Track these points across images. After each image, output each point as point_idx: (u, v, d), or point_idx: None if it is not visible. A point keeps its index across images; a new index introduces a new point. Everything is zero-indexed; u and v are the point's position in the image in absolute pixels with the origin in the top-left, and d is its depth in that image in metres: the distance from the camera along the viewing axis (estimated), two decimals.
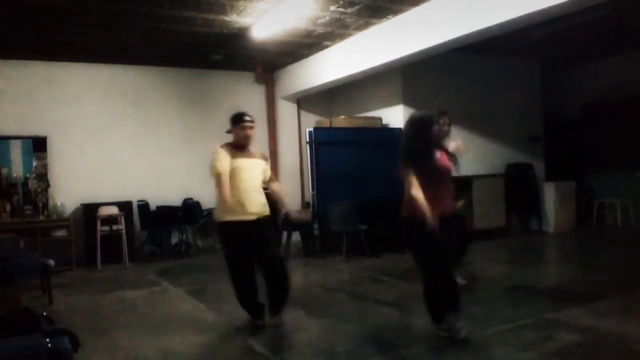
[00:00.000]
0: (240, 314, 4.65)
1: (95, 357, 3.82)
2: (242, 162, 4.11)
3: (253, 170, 4.19)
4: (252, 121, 4.19)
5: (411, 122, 3.77)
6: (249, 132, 4.17)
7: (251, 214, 4.11)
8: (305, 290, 6.13)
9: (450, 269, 3.79)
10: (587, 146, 10.22)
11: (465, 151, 4.63)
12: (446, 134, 4.73)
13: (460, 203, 4.63)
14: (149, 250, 8.16)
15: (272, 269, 4.25)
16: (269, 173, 4.45)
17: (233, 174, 4.06)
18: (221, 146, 4.17)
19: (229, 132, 4.27)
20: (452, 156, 3.95)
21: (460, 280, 4.98)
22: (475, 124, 9.03)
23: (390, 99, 8.69)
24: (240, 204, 4.07)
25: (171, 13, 6.09)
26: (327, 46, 7.83)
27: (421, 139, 3.64)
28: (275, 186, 4.50)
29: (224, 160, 4.05)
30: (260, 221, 4.16)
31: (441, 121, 4.38)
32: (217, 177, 4.04)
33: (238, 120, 4.17)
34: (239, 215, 4.08)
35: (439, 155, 3.73)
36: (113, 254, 7.67)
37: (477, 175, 8.80)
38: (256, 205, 4.15)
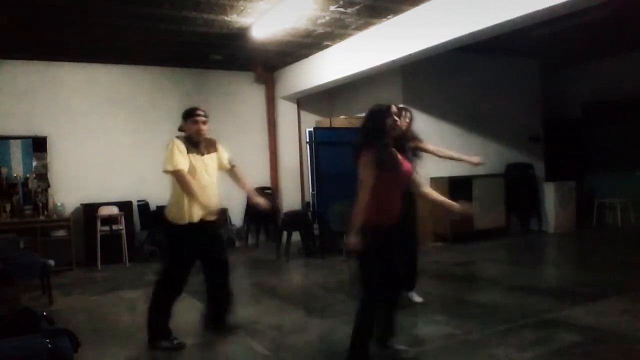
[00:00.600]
0: (241, 314, 4.65)
1: (95, 357, 3.83)
2: (197, 160, 3.89)
3: (208, 167, 3.97)
4: (205, 115, 4.01)
5: (368, 113, 3.48)
6: (202, 126, 3.96)
7: (207, 213, 3.88)
8: (305, 290, 6.14)
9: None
10: (587, 146, 10.22)
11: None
12: (406, 128, 4.63)
13: (468, 207, 4.32)
14: (149, 250, 8.15)
15: (222, 274, 4.12)
16: (225, 159, 4.17)
17: (188, 171, 3.84)
18: (177, 137, 3.95)
19: (180, 129, 4.05)
20: (412, 156, 3.58)
21: (417, 298, 4.87)
22: (475, 124, 9.04)
23: (390, 99, 8.65)
24: (192, 211, 3.83)
25: (171, 13, 6.08)
26: (327, 46, 7.83)
27: (376, 130, 3.32)
28: (238, 176, 4.25)
29: (182, 154, 3.81)
30: (214, 222, 3.98)
31: (402, 114, 4.20)
32: (175, 173, 3.78)
33: (190, 114, 3.98)
34: (195, 217, 3.85)
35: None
36: (113, 254, 7.67)
37: (477, 175, 8.80)
38: (212, 203, 3.90)
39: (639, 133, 9.09)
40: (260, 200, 4.18)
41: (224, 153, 4.17)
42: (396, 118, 3.36)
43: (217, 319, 4.20)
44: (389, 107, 3.38)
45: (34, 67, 7.91)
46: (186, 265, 3.95)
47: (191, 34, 6.91)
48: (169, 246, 4.01)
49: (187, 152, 3.85)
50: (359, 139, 3.36)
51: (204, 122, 3.98)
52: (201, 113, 3.99)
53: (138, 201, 8.29)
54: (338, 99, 9.89)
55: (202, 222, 3.88)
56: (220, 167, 4.15)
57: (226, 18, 6.37)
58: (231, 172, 4.25)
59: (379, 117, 3.35)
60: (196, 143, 3.96)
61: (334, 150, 7.96)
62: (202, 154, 3.96)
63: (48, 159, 7.93)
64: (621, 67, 9.42)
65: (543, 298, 4.93)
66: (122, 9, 5.93)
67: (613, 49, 9.08)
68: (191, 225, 3.84)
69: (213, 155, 4.06)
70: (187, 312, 5.17)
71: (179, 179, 3.78)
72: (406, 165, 3.39)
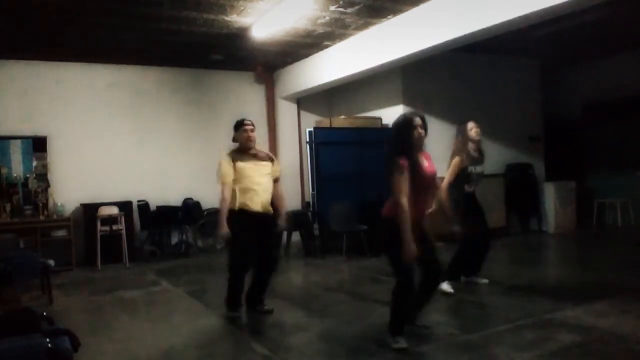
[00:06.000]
0: (242, 313, 4.66)
1: (95, 357, 3.82)
2: (247, 165, 4.49)
3: (258, 171, 4.55)
4: (252, 124, 4.63)
5: (394, 126, 3.72)
6: (251, 134, 4.57)
7: (256, 210, 4.50)
8: (305, 290, 6.14)
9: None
10: (587, 146, 10.22)
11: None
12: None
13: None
14: (149, 250, 8.15)
15: (268, 261, 4.70)
16: (278, 174, 4.77)
17: (239, 175, 4.46)
18: (227, 154, 4.57)
19: (234, 140, 4.66)
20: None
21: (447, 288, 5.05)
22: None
23: (390, 99, 8.69)
24: (246, 202, 4.47)
25: (171, 13, 6.09)
26: (327, 46, 7.83)
27: (404, 142, 3.57)
28: (277, 191, 4.77)
29: (227, 170, 4.47)
30: (263, 216, 4.56)
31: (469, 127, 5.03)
32: (222, 185, 4.49)
33: (239, 125, 4.62)
34: (247, 207, 4.48)
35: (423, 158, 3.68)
36: (113, 254, 7.66)
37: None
38: (259, 204, 4.51)
39: (639, 133, 9.09)
40: (281, 222, 4.82)
41: (277, 166, 4.79)
42: (421, 131, 3.59)
43: (258, 300, 4.74)
44: (412, 121, 3.60)
45: (34, 67, 7.92)
46: (244, 240, 4.47)
47: (191, 34, 6.92)
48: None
49: (238, 160, 4.50)
50: (389, 148, 3.63)
51: (252, 130, 4.60)
52: (248, 122, 4.62)
53: (138, 201, 8.29)
54: (338, 99, 9.89)
55: (246, 211, 4.46)
56: (272, 174, 4.70)
57: (226, 18, 6.38)
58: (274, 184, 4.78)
59: (405, 130, 3.59)
60: (247, 149, 4.57)
61: (334, 150, 7.96)
62: (254, 161, 4.56)
63: (48, 159, 7.93)
64: (621, 67, 9.42)
65: (543, 298, 4.93)
66: (122, 9, 5.93)
67: (613, 49, 9.08)
68: (236, 210, 4.46)
69: (266, 164, 4.64)
70: (188, 312, 5.18)
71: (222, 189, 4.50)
72: (430, 169, 3.68)
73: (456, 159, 5.06)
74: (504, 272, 6.53)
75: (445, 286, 5.01)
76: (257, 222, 4.48)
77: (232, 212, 4.45)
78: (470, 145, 5.15)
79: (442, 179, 4.94)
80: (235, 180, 4.46)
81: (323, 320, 4.58)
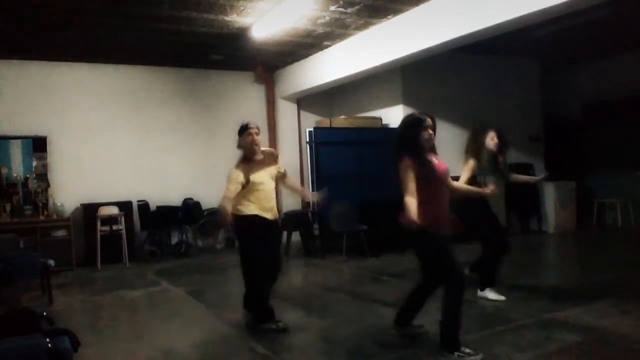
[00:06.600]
0: (240, 314, 4.66)
1: (95, 357, 3.82)
2: (257, 176, 4.26)
3: (267, 181, 4.35)
4: (257, 128, 4.39)
5: (402, 123, 3.65)
6: (256, 138, 4.32)
7: (268, 217, 4.32)
8: (305, 290, 6.13)
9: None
10: (587, 146, 10.22)
11: None
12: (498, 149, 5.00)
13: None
14: (149, 250, 8.15)
15: (275, 269, 4.43)
16: (282, 171, 4.54)
17: (251, 186, 4.23)
18: (236, 167, 4.29)
19: (239, 146, 4.41)
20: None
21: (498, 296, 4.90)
22: (475, 124, 9.00)
23: (390, 99, 8.69)
24: (259, 209, 4.28)
25: (171, 13, 6.09)
26: (327, 46, 7.83)
27: (411, 142, 3.50)
28: (291, 184, 4.78)
29: (235, 183, 4.19)
30: (274, 223, 4.41)
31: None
32: (226, 192, 4.20)
33: (243, 129, 4.36)
34: (260, 214, 4.30)
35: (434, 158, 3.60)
36: (113, 254, 7.67)
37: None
38: (270, 212, 4.33)
39: (639, 133, 9.09)
40: (308, 194, 5.06)
41: (278, 166, 4.53)
42: (431, 132, 3.51)
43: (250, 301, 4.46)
44: (423, 121, 3.52)
45: (34, 67, 7.92)
46: (260, 247, 4.28)
47: (191, 34, 6.91)
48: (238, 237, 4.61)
49: (248, 172, 4.22)
50: (395, 144, 3.55)
51: (257, 133, 4.35)
52: (252, 126, 4.36)
53: (138, 201, 8.29)
54: (338, 99, 9.89)
55: (260, 216, 4.29)
56: (274, 177, 4.48)
57: (226, 18, 6.38)
58: (282, 180, 4.60)
59: (413, 129, 3.52)
60: (254, 154, 4.32)
61: (334, 150, 7.96)
62: (261, 170, 4.31)
63: (48, 159, 7.93)
64: (621, 67, 9.42)
65: (543, 298, 4.93)
66: (122, 9, 5.93)
67: (613, 49, 9.08)
68: (249, 216, 4.26)
69: (270, 170, 4.41)
70: (188, 312, 5.18)
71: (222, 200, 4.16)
72: (441, 167, 3.58)
73: (471, 162, 4.86)
74: (504, 272, 6.51)
75: (492, 295, 4.85)
76: (269, 229, 4.35)
77: (245, 217, 4.25)
78: (485, 153, 4.94)
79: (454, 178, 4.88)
80: (247, 191, 4.24)
81: (323, 320, 4.59)
